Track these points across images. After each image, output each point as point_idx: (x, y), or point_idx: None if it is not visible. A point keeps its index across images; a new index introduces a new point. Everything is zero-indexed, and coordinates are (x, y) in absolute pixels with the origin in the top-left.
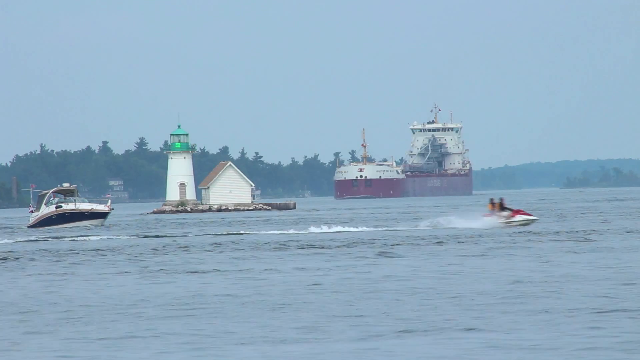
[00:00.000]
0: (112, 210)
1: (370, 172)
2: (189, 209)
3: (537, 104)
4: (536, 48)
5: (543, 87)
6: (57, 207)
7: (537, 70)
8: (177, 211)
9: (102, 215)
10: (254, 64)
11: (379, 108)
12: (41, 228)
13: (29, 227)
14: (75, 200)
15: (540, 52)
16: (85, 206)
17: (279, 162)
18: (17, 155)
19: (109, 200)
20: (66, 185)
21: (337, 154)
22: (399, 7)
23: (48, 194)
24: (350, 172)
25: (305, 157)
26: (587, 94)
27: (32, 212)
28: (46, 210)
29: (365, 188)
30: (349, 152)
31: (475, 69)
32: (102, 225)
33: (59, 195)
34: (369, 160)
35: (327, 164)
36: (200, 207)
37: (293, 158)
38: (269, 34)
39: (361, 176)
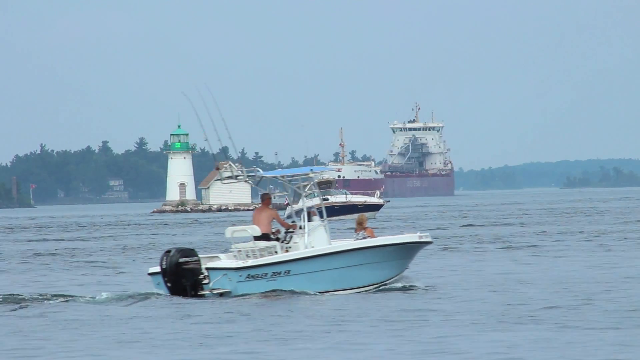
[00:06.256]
0: (388, 203)
1: (348, 172)
2: (189, 209)
3: (537, 103)
4: (534, 46)
5: (543, 87)
6: (322, 200)
7: (538, 69)
8: (178, 211)
9: (376, 207)
10: (253, 64)
11: (360, 107)
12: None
13: None
14: (336, 193)
15: (539, 50)
16: (358, 198)
17: (279, 162)
18: (17, 155)
19: (378, 193)
20: (325, 176)
21: (336, 154)
22: (386, 4)
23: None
24: (328, 172)
25: (305, 157)
26: (587, 94)
27: (287, 205)
28: (307, 203)
29: (343, 188)
30: (333, 154)
31: (465, 68)
32: (373, 218)
33: (320, 187)
34: (351, 159)
35: (327, 163)
36: (200, 207)
37: (293, 158)
38: (269, 34)
39: (339, 176)
